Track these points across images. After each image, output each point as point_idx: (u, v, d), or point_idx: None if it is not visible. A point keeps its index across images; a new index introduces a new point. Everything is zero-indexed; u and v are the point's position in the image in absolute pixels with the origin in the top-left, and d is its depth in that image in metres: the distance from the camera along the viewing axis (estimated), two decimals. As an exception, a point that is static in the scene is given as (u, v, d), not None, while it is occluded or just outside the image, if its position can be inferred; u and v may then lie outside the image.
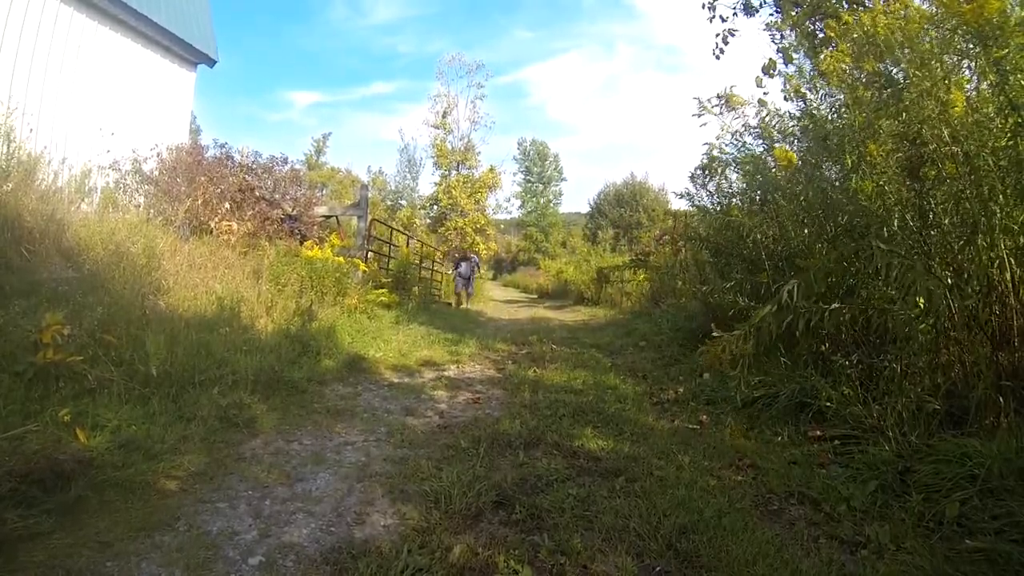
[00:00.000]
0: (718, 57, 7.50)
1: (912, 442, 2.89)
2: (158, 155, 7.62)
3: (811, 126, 4.61)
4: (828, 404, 3.52)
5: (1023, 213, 3.07)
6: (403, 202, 35.29)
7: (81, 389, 3.14)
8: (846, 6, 5.52)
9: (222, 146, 8.72)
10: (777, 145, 5.01)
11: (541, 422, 3.80)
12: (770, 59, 4.95)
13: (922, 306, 3.30)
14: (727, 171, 6.04)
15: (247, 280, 6.02)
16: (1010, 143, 3.06)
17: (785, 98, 5.01)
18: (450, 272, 17.68)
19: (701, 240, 6.58)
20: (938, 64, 3.28)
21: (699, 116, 5.66)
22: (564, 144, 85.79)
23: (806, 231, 4.74)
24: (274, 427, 3.49)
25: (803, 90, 4.80)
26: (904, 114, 3.39)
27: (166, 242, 5.83)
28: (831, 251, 3.78)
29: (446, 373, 5.59)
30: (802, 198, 4.63)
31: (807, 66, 5.37)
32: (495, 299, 20.58)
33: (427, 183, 39.45)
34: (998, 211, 3.05)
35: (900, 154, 3.53)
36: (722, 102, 5.41)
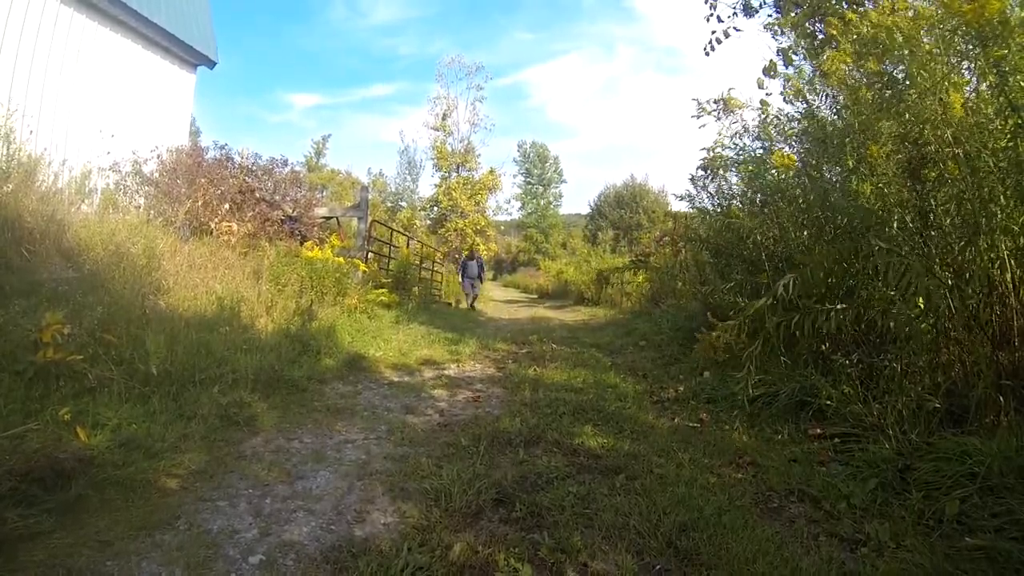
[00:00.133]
0: (708, 54, 7.48)
1: (912, 440, 2.89)
2: (158, 156, 7.63)
3: (811, 128, 4.62)
4: (828, 402, 3.52)
5: (1023, 214, 3.07)
6: (403, 204, 35.30)
7: (81, 388, 3.14)
8: (846, 6, 5.53)
9: (222, 147, 8.74)
10: (777, 147, 5.01)
11: (541, 420, 3.80)
12: (771, 61, 4.95)
13: (922, 306, 3.31)
14: (727, 173, 6.05)
15: (247, 280, 6.02)
16: (1010, 144, 3.06)
17: (785, 99, 5.02)
18: (457, 274, 16.67)
19: (701, 241, 6.58)
20: (939, 64, 3.28)
21: (698, 118, 5.68)
22: (564, 146, 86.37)
23: (806, 233, 4.74)
24: (274, 425, 3.50)
25: (803, 91, 4.80)
26: (905, 114, 3.40)
27: (166, 243, 5.84)
28: (830, 249, 3.78)
29: (446, 372, 5.59)
30: (801, 200, 4.64)
31: (807, 67, 5.38)
32: (495, 299, 20.60)
33: (427, 185, 39.52)
34: (998, 212, 3.06)
35: (901, 155, 3.54)
36: (720, 106, 5.42)
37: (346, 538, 2.26)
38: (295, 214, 8.87)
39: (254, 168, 8.66)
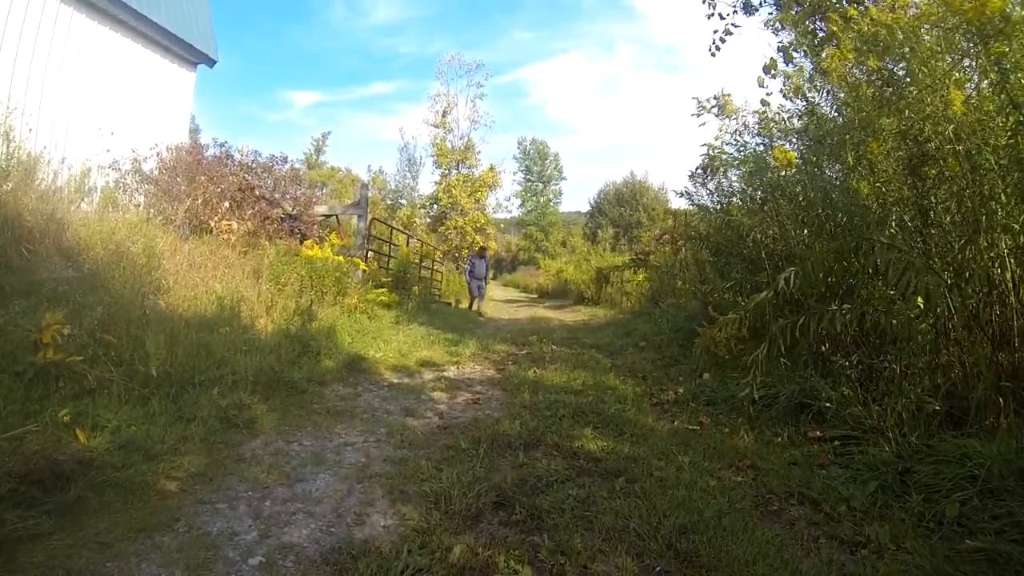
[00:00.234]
0: (713, 54, 7.45)
1: (912, 443, 2.89)
2: (158, 155, 7.61)
3: (811, 125, 4.61)
4: (828, 405, 3.52)
5: (1023, 212, 3.06)
6: (403, 201, 35.28)
7: (81, 389, 3.14)
8: (847, 3, 5.51)
9: (222, 145, 8.71)
10: (777, 144, 5.01)
11: (541, 423, 3.80)
12: (771, 59, 4.94)
13: (922, 306, 3.30)
14: (727, 170, 6.04)
15: (247, 279, 6.02)
16: (1011, 141, 3.06)
17: (785, 97, 5.01)
18: (463, 273, 15.12)
19: (701, 239, 6.58)
20: (940, 61, 3.28)
21: (698, 116, 5.67)
22: (564, 144, 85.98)
23: (806, 231, 4.74)
24: (274, 428, 3.49)
25: (803, 88, 4.80)
26: (906, 111, 3.39)
27: (166, 241, 5.83)
28: (831, 244, 3.76)
29: (446, 374, 5.59)
30: (802, 198, 4.63)
31: (807, 65, 5.37)
32: (495, 299, 20.57)
33: (427, 182, 39.55)
34: (999, 210, 3.05)
35: (901, 152, 3.53)
36: (719, 104, 5.42)
37: (346, 540, 2.26)
38: (295, 212, 8.85)
39: (254, 166, 8.63)
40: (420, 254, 15.30)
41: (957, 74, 3.30)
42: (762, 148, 5.47)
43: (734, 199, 6.20)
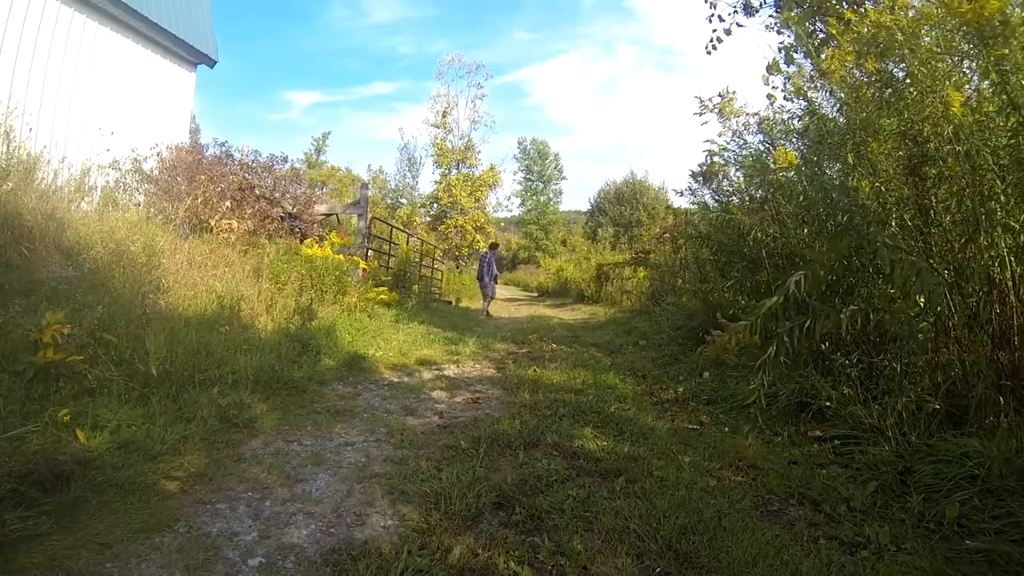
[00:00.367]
0: (710, 52, 7.48)
1: (912, 442, 2.89)
2: (158, 154, 7.62)
3: (812, 126, 4.61)
4: (828, 404, 3.52)
5: (1023, 211, 3.06)
6: (403, 200, 35.23)
7: (81, 389, 3.13)
8: (846, 5, 5.50)
9: (222, 145, 8.73)
10: (778, 144, 5.00)
11: (541, 422, 3.80)
12: (773, 59, 4.95)
13: (922, 304, 3.30)
14: (728, 169, 6.05)
15: (247, 278, 6.02)
16: (1011, 142, 3.06)
17: (785, 97, 5.01)
18: (487, 275, 12.70)
19: (701, 238, 6.59)
20: (940, 63, 3.27)
21: (700, 115, 5.68)
22: (564, 143, 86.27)
23: (806, 230, 4.74)
24: (274, 427, 3.49)
25: (804, 89, 4.79)
26: (905, 112, 3.39)
27: (166, 240, 5.83)
28: (836, 243, 3.76)
29: (446, 373, 5.59)
30: (802, 197, 4.63)
31: (808, 65, 5.36)
32: (495, 298, 20.54)
33: (427, 182, 39.57)
34: (998, 209, 3.05)
35: (901, 152, 3.53)
36: (720, 103, 5.41)
37: (346, 541, 2.26)
38: (295, 211, 8.87)
39: (254, 165, 8.64)
40: (420, 253, 15.30)
41: (956, 76, 3.29)
42: (763, 148, 5.47)
43: (734, 198, 6.20)
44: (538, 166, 44.65)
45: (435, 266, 17.40)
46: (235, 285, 5.67)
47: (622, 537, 2.31)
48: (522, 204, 43.92)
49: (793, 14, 5.06)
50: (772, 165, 4.77)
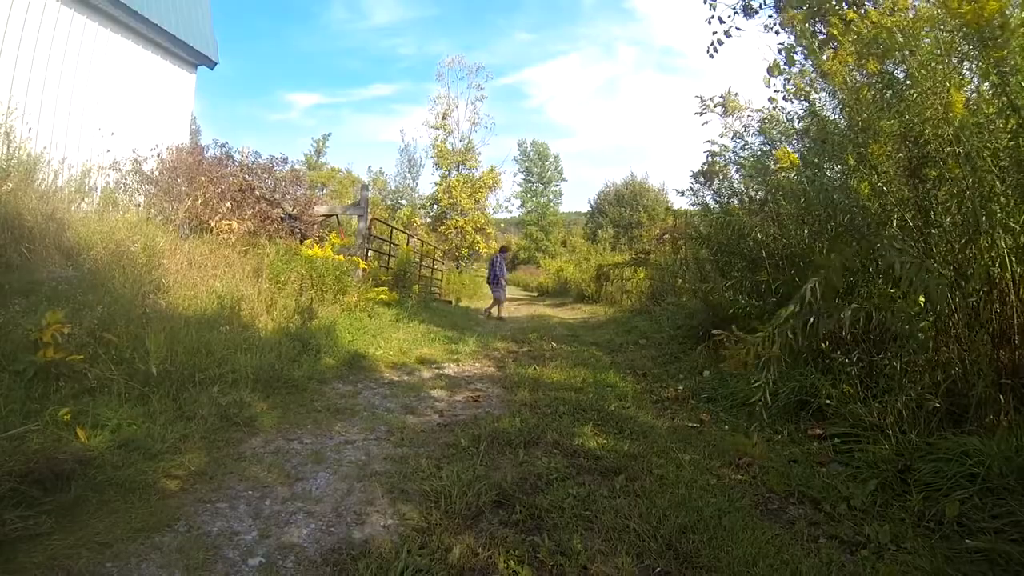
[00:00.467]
0: (711, 55, 7.46)
1: (912, 440, 2.89)
2: (158, 155, 7.62)
3: (812, 127, 4.61)
4: (828, 402, 3.52)
5: (1023, 212, 3.07)
6: (403, 202, 35.25)
7: (81, 388, 3.14)
8: (847, 6, 5.51)
9: (222, 146, 8.75)
10: (779, 144, 5.00)
11: (541, 420, 3.80)
12: (774, 61, 4.94)
13: (923, 304, 3.30)
14: (728, 170, 6.05)
15: (247, 278, 6.02)
16: (1011, 143, 3.06)
17: (784, 98, 5.01)
18: (500, 278, 12.23)
19: (701, 238, 6.59)
20: (940, 64, 3.28)
21: (701, 115, 5.68)
22: (564, 145, 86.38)
23: (806, 231, 4.74)
24: (274, 426, 3.49)
25: (805, 90, 4.79)
26: (906, 114, 3.39)
27: (166, 241, 5.83)
28: (845, 250, 3.76)
29: (446, 371, 5.59)
30: (803, 198, 4.63)
31: (808, 67, 5.36)
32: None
33: (427, 183, 39.56)
34: (998, 210, 3.05)
35: (901, 154, 3.53)
36: (722, 102, 5.42)
37: (346, 540, 2.26)
38: (295, 212, 8.87)
39: (254, 166, 8.65)
40: (420, 253, 15.31)
41: (956, 77, 3.29)
42: (764, 148, 5.47)
43: (735, 199, 6.21)
44: (538, 168, 44.71)
45: (435, 266, 17.41)
46: (235, 285, 5.68)
47: (622, 536, 2.31)
48: (522, 205, 44.01)
49: (794, 13, 5.06)
50: (773, 166, 4.78)
